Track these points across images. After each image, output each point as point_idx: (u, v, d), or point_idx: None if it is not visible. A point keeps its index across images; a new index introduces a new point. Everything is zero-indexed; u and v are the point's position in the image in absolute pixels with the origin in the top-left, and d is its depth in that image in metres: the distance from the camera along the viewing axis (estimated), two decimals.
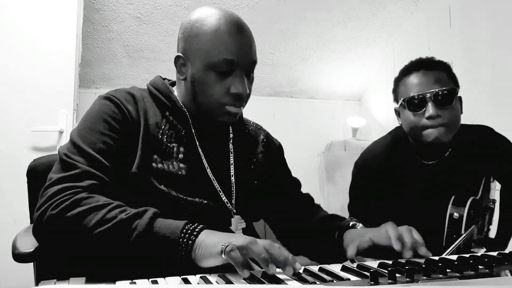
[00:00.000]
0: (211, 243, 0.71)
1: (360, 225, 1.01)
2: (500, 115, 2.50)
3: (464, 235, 1.22)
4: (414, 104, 1.25)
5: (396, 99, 1.36)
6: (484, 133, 1.39)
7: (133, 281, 0.64)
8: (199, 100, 0.94)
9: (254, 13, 3.11)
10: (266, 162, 1.10)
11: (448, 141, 1.27)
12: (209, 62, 0.91)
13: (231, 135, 1.06)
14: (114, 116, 0.90)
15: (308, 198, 1.17)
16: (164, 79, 1.05)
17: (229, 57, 0.90)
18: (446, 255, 1.06)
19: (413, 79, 1.27)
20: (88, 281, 0.66)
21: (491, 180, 1.50)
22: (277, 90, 3.95)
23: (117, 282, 0.63)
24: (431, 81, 1.24)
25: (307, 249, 1.09)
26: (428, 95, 1.22)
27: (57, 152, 0.89)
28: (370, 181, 1.39)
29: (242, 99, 0.94)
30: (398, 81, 1.34)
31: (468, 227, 1.25)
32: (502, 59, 2.50)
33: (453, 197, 1.27)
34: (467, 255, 0.82)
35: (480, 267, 0.68)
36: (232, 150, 1.03)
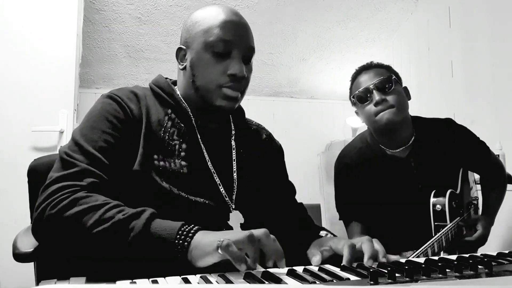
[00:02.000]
0: (206, 242, 0.71)
1: (329, 235, 1.01)
2: (500, 115, 2.50)
3: (450, 224, 1.30)
4: (362, 97, 1.43)
5: (352, 103, 1.52)
6: (445, 121, 1.53)
7: (133, 280, 0.64)
8: (197, 83, 0.96)
9: (254, 13, 3.12)
10: (267, 161, 1.10)
11: (400, 120, 1.39)
12: (207, 42, 0.94)
13: (233, 132, 1.06)
14: (116, 114, 0.91)
15: (300, 207, 1.15)
16: (166, 78, 1.06)
17: (226, 37, 0.94)
18: (431, 243, 1.09)
19: (358, 79, 1.46)
20: (88, 280, 0.66)
21: (474, 181, 1.62)
22: (277, 90, 3.95)
23: (117, 282, 0.63)
24: (372, 76, 1.42)
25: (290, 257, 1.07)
26: (371, 86, 1.40)
27: (57, 152, 0.90)
28: (348, 176, 1.48)
29: (239, 81, 0.95)
30: (350, 88, 1.52)
31: (453, 218, 1.34)
32: (502, 59, 2.51)
33: (433, 191, 1.38)
34: (467, 255, 0.82)
35: (479, 267, 0.68)
36: (234, 147, 1.04)
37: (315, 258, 0.83)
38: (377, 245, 0.85)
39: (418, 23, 3.29)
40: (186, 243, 0.73)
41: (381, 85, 1.39)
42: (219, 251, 0.68)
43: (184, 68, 0.99)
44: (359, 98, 1.43)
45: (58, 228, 0.75)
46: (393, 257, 0.85)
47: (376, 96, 1.37)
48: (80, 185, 0.80)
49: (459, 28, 2.86)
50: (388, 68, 1.47)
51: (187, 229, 0.75)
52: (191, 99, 0.99)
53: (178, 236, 0.73)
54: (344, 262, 0.79)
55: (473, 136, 1.52)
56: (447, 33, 2.96)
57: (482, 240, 1.41)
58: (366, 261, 0.79)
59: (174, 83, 1.07)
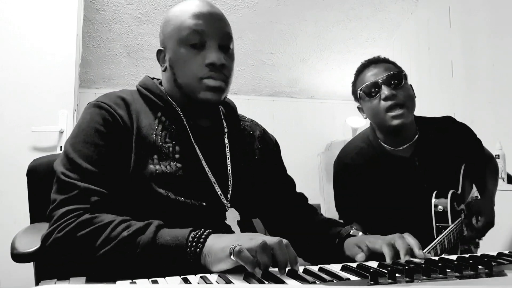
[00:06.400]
0: (219, 248, 0.71)
1: (360, 233, 1.01)
2: (500, 115, 2.50)
3: (452, 225, 1.28)
4: (370, 90, 1.38)
5: (356, 97, 1.48)
6: (446, 119, 1.54)
7: (133, 281, 0.64)
8: (179, 80, 0.95)
9: (254, 13, 3.11)
10: (262, 158, 1.09)
11: (409, 122, 1.39)
12: (180, 37, 0.94)
13: (226, 130, 1.05)
14: (106, 124, 0.89)
15: (302, 198, 1.16)
16: (153, 78, 1.05)
17: (198, 28, 0.93)
18: (433, 245, 1.08)
19: (366, 73, 1.42)
20: (88, 281, 0.66)
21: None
22: (277, 90, 3.95)
23: (117, 282, 0.63)
24: (381, 70, 1.39)
25: (303, 249, 1.07)
26: (380, 80, 1.36)
27: (57, 152, 0.90)
28: (349, 176, 1.46)
29: (219, 70, 0.94)
30: (354, 81, 1.48)
31: (454, 219, 1.33)
32: (502, 59, 2.50)
33: (435, 192, 1.37)
34: (467, 255, 0.82)
35: (479, 267, 0.68)
36: (227, 145, 1.02)
37: (360, 255, 0.87)
38: (410, 239, 0.87)
39: (418, 23, 3.29)
40: (198, 249, 0.73)
41: (391, 80, 1.36)
42: (232, 257, 0.67)
43: (166, 69, 0.99)
44: (368, 91, 1.39)
45: (66, 251, 0.77)
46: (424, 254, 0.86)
47: (386, 91, 1.34)
48: (83, 207, 0.80)
49: (459, 28, 2.86)
50: (394, 64, 1.45)
51: (197, 236, 0.75)
52: (178, 98, 0.98)
53: (189, 243, 0.73)
54: (388, 260, 0.82)
55: (471, 132, 1.55)
56: (447, 33, 2.96)
57: (490, 224, 1.42)
58: (402, 258, 0.82)
59: (162, 83, 1.05)
